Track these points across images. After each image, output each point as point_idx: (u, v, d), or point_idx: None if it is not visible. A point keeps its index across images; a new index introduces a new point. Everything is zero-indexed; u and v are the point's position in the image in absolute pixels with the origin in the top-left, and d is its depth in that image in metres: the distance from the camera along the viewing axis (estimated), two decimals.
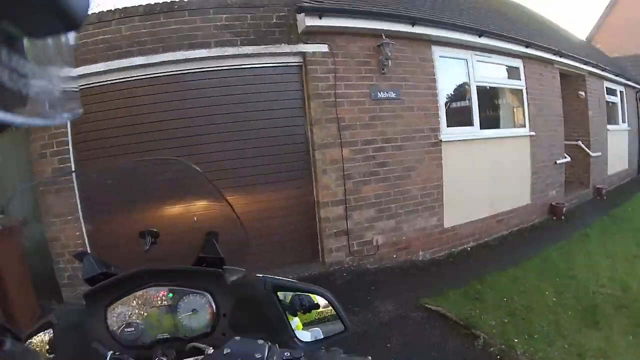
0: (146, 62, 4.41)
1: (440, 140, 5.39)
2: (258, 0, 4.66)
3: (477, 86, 5.97)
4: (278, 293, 1.17)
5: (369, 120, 4.91)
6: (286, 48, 4.64)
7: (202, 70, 4.57)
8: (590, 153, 8.64)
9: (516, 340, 3.38)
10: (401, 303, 4.08)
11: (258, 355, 0.86)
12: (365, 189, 4.92)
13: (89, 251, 1.29)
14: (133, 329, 1.10)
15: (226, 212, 1.31)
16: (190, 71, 4.54)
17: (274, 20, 4.65)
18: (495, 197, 6.15)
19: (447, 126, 5.53)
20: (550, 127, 7.29)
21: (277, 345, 0.92)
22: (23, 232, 3.91)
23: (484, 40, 5.78)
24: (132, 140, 4.45)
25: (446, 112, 5.56)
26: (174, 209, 1.83)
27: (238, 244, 1.44)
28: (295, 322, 1.21)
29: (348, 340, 0.96)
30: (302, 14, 4.48)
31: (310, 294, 1.19)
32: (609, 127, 9.81)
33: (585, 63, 8.26)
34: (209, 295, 1.14)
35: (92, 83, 4.40)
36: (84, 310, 1.14)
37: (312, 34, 4.68)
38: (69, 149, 4.39)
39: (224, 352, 0.88)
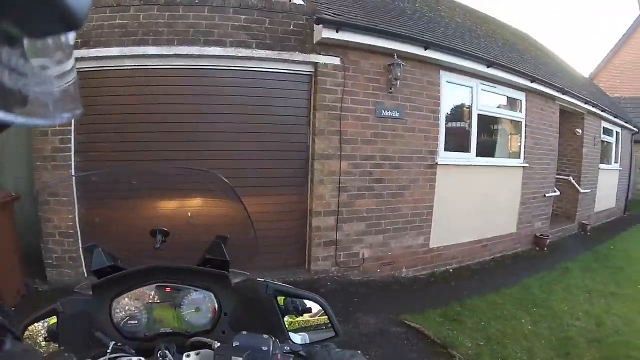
0: (160, 53, 4.42)
1: (436, 163, 5.52)
2: (279, 6, 4.73)
3: (478, 114, 6.10)
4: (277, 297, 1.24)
5: (371, 136, 5.02)
6: (299, 56, 4.72)
7: (214, 68, 4.59)
8: (580, 189, 8.82)
9: None
10: (382, 317, 4.17)
11: (264, 348, 0.95)
12: (358, 203, 5.03)
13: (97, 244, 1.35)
14: (136, 321, 1.17)
15: (240, 219, 1.38)
16: (202, 67, 4.57)
17: (291, 28, 4.72)
18: (482, 223, 6.29)
19: (445, 150, 5.66)
20: (544, 160, 7.46)
21: (277, 340, 1.02)
22: (14, 208, 3.90)
23: (491, 71, 5.91)
24: (135, 128, 4.46)
25: (445, 136, 5.68)
26: (186, 211, 1.91)
27: (247, 249, 1.51)
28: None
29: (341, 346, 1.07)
30: (320, 25, 4.55)
31: (304, 300, 1.26)
32: (601, 165, 10.01)
33: (586, 102, 8.42)
34: (212, 295, 1.22)
35: (103, 66, 4.41)
36: (90, 301, 1.18)
37: (326, 46, 4.76)
38: (70, 129, 4.38)
39: (234, 344, 0.96)
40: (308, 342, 1.24)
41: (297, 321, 1.27)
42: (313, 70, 4.84)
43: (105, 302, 1.17)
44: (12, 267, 3.78)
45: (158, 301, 1.21)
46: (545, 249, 7.33)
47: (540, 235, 7.42)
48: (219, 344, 1.01)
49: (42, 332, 1.15)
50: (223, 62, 4.60)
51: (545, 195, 7.60)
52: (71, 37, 0.33)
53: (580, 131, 8.84)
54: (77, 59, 4.19)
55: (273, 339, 1.00)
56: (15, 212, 3.95)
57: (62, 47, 0.32)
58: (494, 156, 6.63)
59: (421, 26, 5.89)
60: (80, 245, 4.39)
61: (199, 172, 2.13)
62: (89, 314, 1.16)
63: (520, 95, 6.83)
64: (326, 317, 1.25)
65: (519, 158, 6.94)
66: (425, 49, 5.14)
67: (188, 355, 1.02)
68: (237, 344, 0.97)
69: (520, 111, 6.90)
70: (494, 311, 4.58)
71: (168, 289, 1.21)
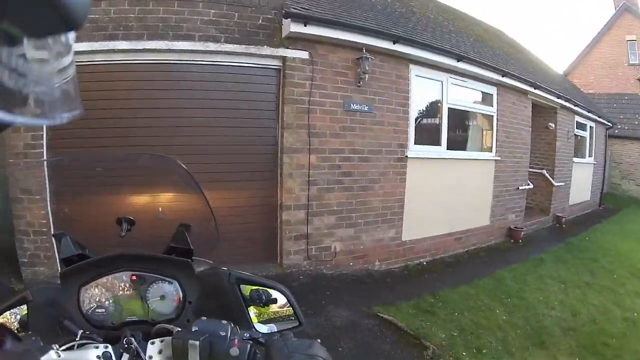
0: (129, 48, 4.38)
1: (406, 157, 5.55)
2: (248, 0, 4.72)
3: (449, 108, 6.15)
4: (240, 286, 1.25)
5: (339, 130, 5.03)
6: (267, 50, 4.71)
7: (183, 62, 4.57)
8: (554, 182, 8.97)
9: (464, 354, 3.55)
10: (354, 310, 4.18)
11: (222, 333, 0.96)
12: (328, 196, 5.03)
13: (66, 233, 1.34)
14: (104, 310, 1.16)
15: (201, 208, 1.38)
16: (171, 62, 4.54)
17: (260, 22, 4.71)
18: (455, 216, 6.35)
19: (415, 143, 5.69)
20: (517, 154, 7.57)
21: (237, 327, 1.03)
22: None
23: (462, 65, 5.97)
24: (106, 124, 4.38)
25: (415, 130, 5.72)
26: (151, 200, 1.90)
27: (208, 238, 1.50)
28: (252, 315, 1.28)
29: (302, 336, 1.08)
30: (288, 19, 4.55)
31: (269, 289, 1.26)
32: (575, 159, 10.20)
33: (559, 97, 8.57)
34: (177, 283, 1.21)
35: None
36: (58, 289, 1.18)
37: (294, 40, 4.77)
38: (42, 126, 4.32)
39: (193, 329, 0.97)
40: (275, 331, 1.25)
41: (266, 312, 1.28)
42: (281, 65, 4.82)
43: (73, 291, 1.17)
44: None
45: (124, 290, 1.21)
46: (520, 241, 7.44)
47: (515, 227, 7.52)
48: (176, 328, 1.03)
49: (15, 323, 1.15)
50: (192, 56, 4.57)
51: (518, 189, 7.70)
52: (71, 37, 0.33)
53: (552, 125, 8.99)
54: None
55: (232, 325, 1.01)
56: None
57: (62, 48, 0.32)
58: (466, 150, 6.69)
59: (392, 21, 5.92)
60: (54, 243, 4.32)
61: (156, 157, 2.10)
62: (58, 303, 1.16)
63: (492, 90, 6.92)
64: (291, 308, 1.26)
65: (491, 152, 7.02)
66: (394, 43, 5.17)
67: (153, 343, 1.04)
68: (196, 328, 0.98)
69: (492, 105, 6.98)
70: (467, 302, 4.63)
71: (134, 277, 1.21)
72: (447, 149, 6.17)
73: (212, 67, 4.67)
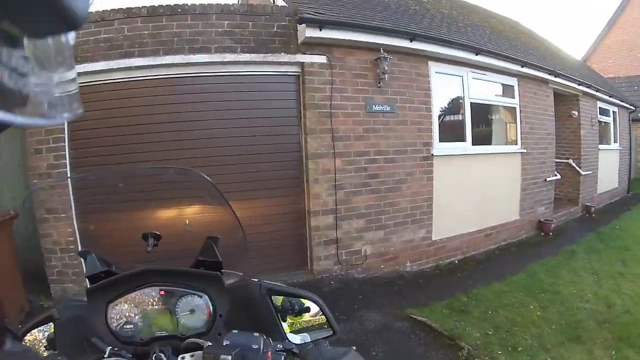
0: (146, 64, 4.43)
1: (432, 155, 5.48)
2: (261, 9, 4.74)
3: (471, 103, 6.06)
4: (272, 296, 1.22)
5: (363, 132, 4.99)
6: (285, 57, 4.71)
7: (201, 75, 4.60)
8: (581, 172, 8.76)
9: (500, 353, 3.45)
10: (387, 312, 4.13)
11: (255, 346, 0.93)
12: (355, 200, 4.99)
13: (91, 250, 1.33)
14: (132, 326, 1.15)
15: (228, 219, 1.37)
16: (189, 75, 4.57)
17: (275, 30, 4.71)
18: (484, 212, 6.24)
19: (440, 141, 5.61)
20: (542, 145, 7.41)
21: (269, 339, 1.00)
22: (14, 226, 3.89)
23: (480, 58, 5.88)
24: (128, 140, 4.47)
25: (439, 127, 5.64)
26: (176, 214, 1.89)
27: (236, 250, 1.49)
28: (284, 326, 1.26)
29: (337, 344, 1.05)
30: (303, 25, 4.53)
31: (301, 299, 1.24)
32: (601, 146, 9.94)
33: (580, 83, 8.38)
34: (206, 297, 1.19)
35: (91, 81, 4.41)
36: (85, 307, 1.17)
37: (311, 45, 4.75)
38: (65, 145, 4.37)
39: (224, 343, 0.94)
40: (308, 341, 1.22)
41: (299, 322, 1.26)
42: (300, 70, 4.81)
43: (101, 308, 1.16)
44: (14, 285, 3.76)
45: (153, 305, 1.19)
46: (550, 233, 7.27)
47: (545, 220, 7.35)
48: (207, 342, 1.00)
49: (43, 341, 1.14)
50: (209, 68, 4.60)
51: (546, 180, 7.53)
52: (71, 37, 0.33)
53: (576, 113, 8.78)
54: None
55: (264, 337, 0.98)
56: (14, 230, 3.93)
57: (62, 48, 0.33)
58: (491, 144, 6.59)
59: (406, 19, 5.87)
60: (81, 259, 4.36)
61: (180, 170, 2.09)
62: (85, 320, 1.15)
63: (512, 81, 6.79)
64: (324, 317, 1.24)
65: (516, 144, 6.89)
66: (411, 41, 5.11)
67: (183, 358, 1.01)
68: (227, 342, 0.95)
69: (514, 97, 6.85)
70: (500, 299, 4.54)
71: (162, 292, 1.19)
72: (473, 144, 6.07)
73: (231, 77, 4.69)
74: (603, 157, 9.97)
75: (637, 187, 12.82)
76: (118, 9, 4.51)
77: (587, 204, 9.06)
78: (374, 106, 5.03)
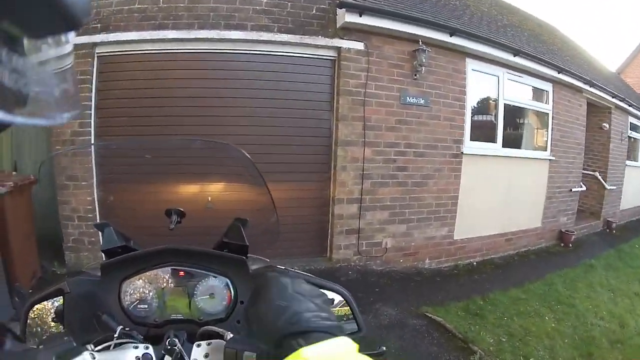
0: (180, 37, 4.41)
1: (462, 153, 5.40)
2: None
3: (504, 104, 5.96)
4: None
5: (395, 123, 4.92)
6: (322, 41, 4.65)
7: (235, 52, 4.56)
8: (606, 185, 8.58)
9: None
10: (402, 308, 4.10)
11: None
12: (381, 191, 4.93)
13: (109, 223, 1.26)
14: (146, 306, 1.08)
15: (261, 201, 1.29)
16: (222, 51, 4.54)
17: (314, 12, 4.66)
18: (507, 216, 6.15)
19: (470, 140, 5.53)
20: (571, 154, 7.26)
21: None
22: (33, 191, 3.89)
23: (518, 60, 5.76)
24: (155, 112, 4.45)
25: (471, 126, 5.55)
26: (203, 190, 1.82)
27: (266, 234, 1.42)
28: None
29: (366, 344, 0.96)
30: (343, 10, 4.47)
31: (326, 290, 1.14)
32: (628, 162, 9.72)
33: (613, 96, 8.18)
34: (228, 281, 1.12)
35: (122, 51, 4.43)
36: (98, 282, 1.10)
37: (349, 31, 4.69)
38: (91, 113, 4.37)
39: (248, 338, 0.86)
40: None
41: None
42: (336, 55, 4.75)
43: (114, 284, 1.09)
44: (29, 250, 3.76)
45: (170, 286, 1.11)
46: (570, 245, 7.13)
47: (566, 231, 7.21)
48: (231, 335, 0.91)
49: (52, 311, 1.08)
50: (244, 46, 4.56)
51: (571, 190, 7.39)
52: (71, 37, 0.32)
53: (607, 126, 8.59)
54: (96, 44, 4.29)
55: None
56: (34, 195, 3.93)
57: (62, 48, 0.32)
58: (520, 148, 6.46)
59: (446, 13, 5.76)
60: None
61: (219, 144, 2.00)
62: (97, 296, 1.08)
63: (547, 87, 6.65)
64: (348, 308, 1.15)
65: (546, 151, 6.75)
66: (451, 36, 5.02)
67: (199, 345, 0.93)
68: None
69: (547, 103, 6.71)
70: (516, 307, 4.47)
71: (181, 273, 1.11)
72: (503, 146, 5.98)
73: (265, 57, 4.65)
74: (629, 174, 9.74)
75: None
76: None
77: (609, 219, 8.87)
78: (408, 98, 4.95)
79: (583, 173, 7.97)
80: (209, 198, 1.71)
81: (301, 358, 0.55)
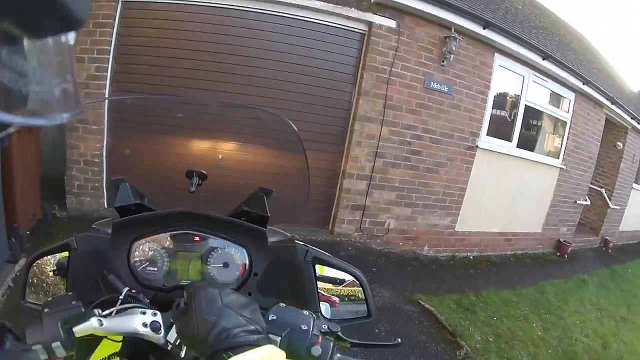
0: None
1: (477, 146, 5.39)
2: None
3: (526, 105, 5.93)
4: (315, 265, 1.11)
5: (416, 106, 4.89)
6: (354, 13, 4.58)
7: (265, 12, 4.48)
8: (610, 204, 8.57)
9: None
10: (397, 292, 4.14)
11: (304, 327, 0.82)
12: (392, 172, 4.94)
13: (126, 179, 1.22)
14: (156, 269, 1.05)
15: (294, 172, 1.28)
16: (252, 10, 4.45)
17: None
18: (510, 216, 6.17)
19: (487, 134, 5.51)
20: (582, 166, 7.24)
21: (315, 317, 0.88)
22: (41, 131, 3.84)
23: (546, 64, 5.71)
24: (175, 64, 4.39)
25: (489, 121, 5.52)
26: (230, 154, 1.75)
27: (291, 207, 1.39)
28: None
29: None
30: None
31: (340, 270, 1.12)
32: (635, 185, 9.69)
33: (633, 117, 8.08)
34: (245, 251, 1.09)
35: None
36: (107, 240, 1.06)
37: (383, 7, 4.62)
38: (109, 58, 4.29)
39: (269, 318, 0.83)
40: (331, 315, 1.11)
41: (326, 288, 1.13)
42: (367, 30, 4.70)
43: (124, 244, 1.06)
44: (32, 190, 3.73)
45: (183, 250, 1.08)
46: (566, 256, 7.17)
47: (564, 241, 7.24)
48: None
49: (52, 264, 1.06)
50: (276, 7, 4.48)
51: (576, 202, 7.39)
52: (71, 37, 0.32)
53: (621, 145, 8.54)
54: None
55: (313, 316, 0.86)
56: (41, 136, 3.90)
57: (62, 48, 0.32)
58: (533, 151, 6.43)
59: (481, 4, 5.64)
60: (104, 176, 4.38)
61: (264, 112, 1.94)
62: (104, 255, 1.04)
63: (570, 95, 6.59)
64: (358, 289, 1.11)
65: (558, 158, 6.73)
66: (484, 28, 4.96)
67: None
68: (274, 317, 0.83)
69: (567, 111, 6.66)
70: (507, 308, 4.51)
71: (196, 239, 1.08)
72: (517, 146, 5.96)
73: (296, 21, 4.58)
74: (634, 197, 9.71)
75: None
76: None
77: (607, 237, 8.90)
78: (432, 83, 4.91)
79: (590, 187, 7.96)
80: (220, 156, 1.68)
81: None
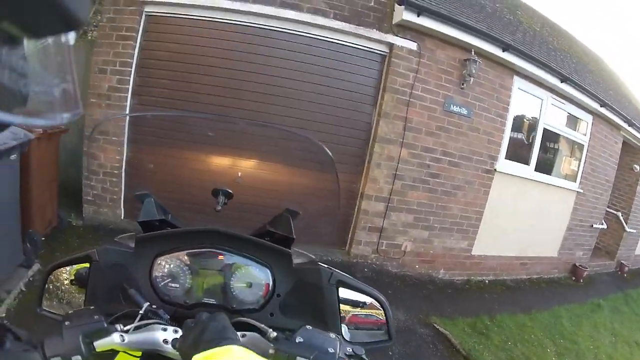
0: (233, 8, 4.35)
1: (495, 169, 5.35)
2: None
3: (544, 128, 5.90)
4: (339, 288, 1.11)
5: (435, 129, 4.89)
6: (376, 34, 4.61)
7: (286, 31, 4.52)
8: (626, 228, 8.45)
9: None
10: (412, 315, 4.12)
11: (331, 350, 0.83)
12: (411, 194, 4.91)
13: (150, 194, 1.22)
14: (178, 285, 1.05)
15: (321, 194, 1.26)
16: (274, 29, 4.50)
17: (372, 4, 4.61)
18: (527, 241, 6.10)
19: (505, 158, 5.47)
20: (598, 190, 7.17)
21: (340, 340, 0.89)
22: (60, 140, 3.87)
23: (564, 87, 5.69)
24: (196, 79, 4.44)
25: (507, 144, 5.50)
26: (259, 174, 1.77)
27: (323, 227, 1.39)
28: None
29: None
30: (402, 7, 4.41)
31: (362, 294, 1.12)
32: None
33: None
34: (268, 272, 1.09)
35: (172, 13, 4.41)
36: (130, 254, 1.06)
37: (404, 29, 4.64)
38: (131, 71, 4.35)
39: (297, 340, 0.84)
40: (351, 338, 1.10)
41: (346, 310, 1.14)
42: (388, 51, 4.71)
43: (147, 259, 1.06)
44: (49, 197, 3.74)
45: (206, 268, 1.07)
46: (581, 280, 7.06)
47: (580, 265, 7.13)
48: (272, 331, 0.87)
49: (70, 274, 1.07)
50: (297, 27, 4.52)
51: (592, 226, 7.30)
52: (71, 37, 0.32)
53: (637, 168, 8.43)
54: (146, 2, 4.25)
55: (340, 339, 0.87)
56: (61, 145, 3.91)
57: (62, 48, 0.32)
58: (551, 174, 6.38)
59: (500, 27, 5.66)
60: (122, 188, 4.41)
61: (301, 137, 1.93)
62: (126, 268, 1.04)
63: (587, 118, 6.55)
64: (379, 311, 1.12)
65: (575, 182, 6.66)
66: (504, 51, 4.96)
67: None
68: (301, 340, 0.84)
69: (585, 134, 6.62)
70: (521, 333, 4.46)
71: (220, 257, 1.08)
72: (535, 170, 5.92)
73: (317, 41, 4.61)
74: None
75: None
76: None
77: (622, 261, 8.75)
78: (452, 106, 4.90)
79: (606, 210, 7.87)
80: (239, 174, 1.68)
81: None
